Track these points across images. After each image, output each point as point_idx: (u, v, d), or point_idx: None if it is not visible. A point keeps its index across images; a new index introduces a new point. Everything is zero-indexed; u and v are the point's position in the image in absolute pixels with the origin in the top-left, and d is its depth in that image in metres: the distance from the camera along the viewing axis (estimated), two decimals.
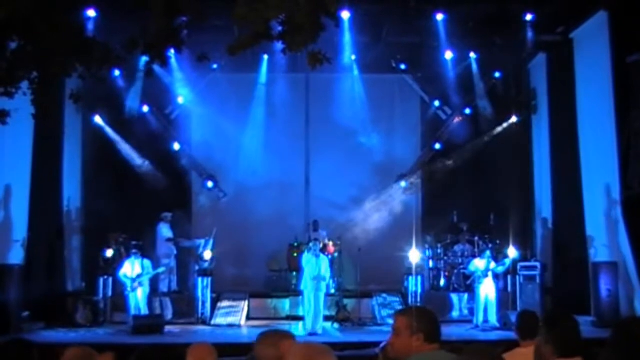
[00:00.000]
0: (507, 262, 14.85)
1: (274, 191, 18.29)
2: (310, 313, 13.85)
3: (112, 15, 13.30)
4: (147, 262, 14.90)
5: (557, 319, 4.42)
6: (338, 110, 18.30)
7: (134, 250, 15.06)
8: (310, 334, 13.17)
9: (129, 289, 14.54)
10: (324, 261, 14.07)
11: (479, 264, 14.63)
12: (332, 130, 18.58)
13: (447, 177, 18.50)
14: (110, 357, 5.56)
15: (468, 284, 15.59)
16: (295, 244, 16.96)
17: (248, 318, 15.66)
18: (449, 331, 13.54)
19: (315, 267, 13.83)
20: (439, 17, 15.40)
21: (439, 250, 17.26)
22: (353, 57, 17.59)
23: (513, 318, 13.42)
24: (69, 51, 8.76)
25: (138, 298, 14.56)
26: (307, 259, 14.02)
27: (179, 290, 16.79)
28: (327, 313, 14.97)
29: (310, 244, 14.48)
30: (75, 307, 14.83)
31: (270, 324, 14.98)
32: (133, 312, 14.42)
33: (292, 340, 4.08)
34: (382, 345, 5.46)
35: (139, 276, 14.57)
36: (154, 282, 15.65)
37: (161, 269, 15.51)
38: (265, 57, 17.75)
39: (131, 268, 14.63)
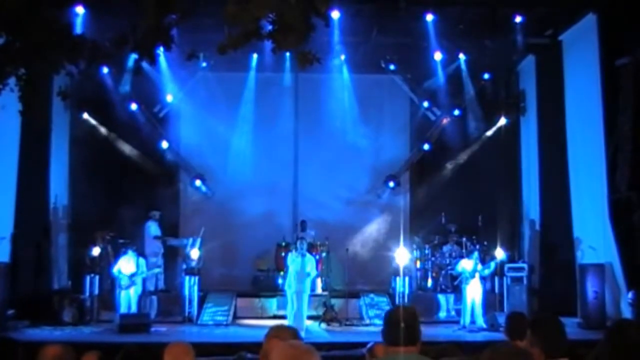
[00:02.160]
0: (493, 264, 14.90)
1: (262, 190, 18.26)
2: (292, 314, 13.63)
3: (100, 12, 13.23)
4: (142, 261, 14.84)
5: (543, 322, 4.45)
6: (327, 110, 18.32)
7: (132, 247, 14.95)
8: None
9: (122, 285, 14.44)
10: (310, 260, 13.91)
11: (466, 265, 14.66)
12: (321, 130, 18.57)
13: (435, 178, 18.56)
14: (95, 356, 5.52)
15: (455, 285, 15.62)
16: (283, 244, 16.92)
17: (235, 317, 15.62)
18: (436, 332, 13.57)
19: (300, 266, 13.66)
20: (429, 18, 15.39)
21: (426, 251, 17.28)
22: (342, 57, 17.59)
23: (500, 319, 13.51)
24: (57, 48, 8.71)
25: (130, 296, 14.48)
26: (292, 258, 13.89)
27: (166, 288, 16.76)
28: (315, 313, 14.97)
29: (297, 243, 14.42)
30: (61, 305, 14.70)
31: (257, 323, 14.98)
32: (124, 310, 14.35)
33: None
34: (369, 345, 5.45)
35: (133, 275, 14.49)
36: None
37: (157, 270, 15.45)
38: (255, 56, 17.69)
39: (126, 265, 14.54)
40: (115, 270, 14.61)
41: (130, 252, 14.78)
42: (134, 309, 14.51)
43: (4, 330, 12.72)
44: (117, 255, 15.29)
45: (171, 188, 18.56)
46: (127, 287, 14.44)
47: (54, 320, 14.37)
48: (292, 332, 4.27)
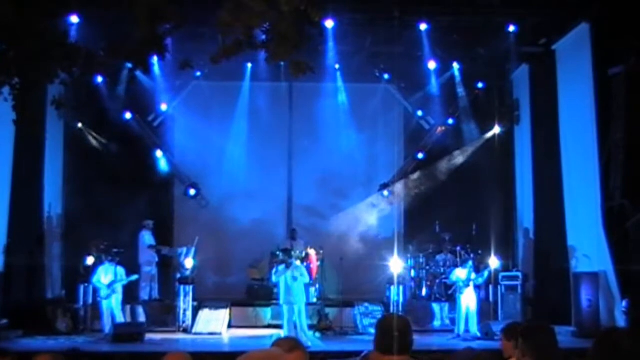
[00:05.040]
0: (487, 273, 14.90)
1: (256, 199, 18.22)
2: (288, 326, 13.44)
3: (95, 22, 13.22)
4: (120, 269, 14.66)
5: (534, 330, 4.44)
6: (321, 119, 18.32)
7: (109, 258, 14.86)
8: None
9: (103, 295, 14.37)
10: (297, 268, 13.76)
11: (460, 273, 14.65)
12: (315, 139, 18.57)
13: (429, 187, 18.56)
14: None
15: (450, 294, 15.62)
16: (277, 253, 16.89)
17: (229, 327, 15.59)
18: (430, 341, 13.57)
19: (286, 276, 13.52)
20: (423, 27, 15.43)
21: (421, 260, 17.26)
22: (337, 66, 17.62)
23: (494, 328, 13.51)
24: (51, 57, 8.70)
25: (112, 305, 14.42)
26: (277, 273, 13.79)
27: (160, 298, 16.69)
28: (309, 322, 14.91)
29: (280, 256, 14.29)
30: (55, 314, 14.66)
31: (251, 332, 14.95)
32: (107, 319, 14.30)
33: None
34: (363, 354, 5.44)
35: (111, 283, 14.40)
36: (135, 290, 15.56)
37: (134, 277, 15.25)
38: (249, 65, 17.72)
39: (104, 275, 14.46)
40: (94, 280, 14.53)
41: (107, 263, 14.66)
42: (118, 318, 14.43)
43: None
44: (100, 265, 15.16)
45: (165, 197, 18.55)
46: (108, 297, 14.38)
47: (47, 330, 14.29)
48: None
